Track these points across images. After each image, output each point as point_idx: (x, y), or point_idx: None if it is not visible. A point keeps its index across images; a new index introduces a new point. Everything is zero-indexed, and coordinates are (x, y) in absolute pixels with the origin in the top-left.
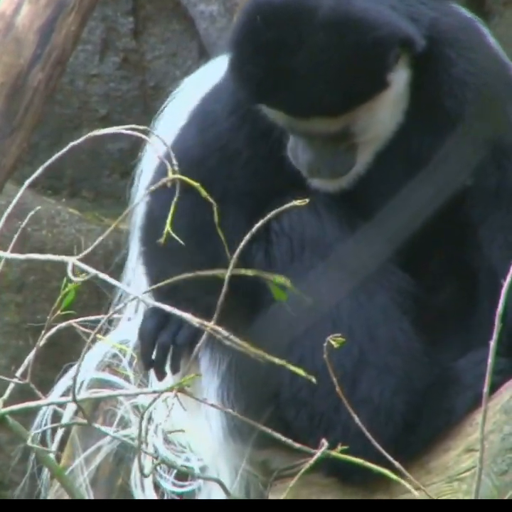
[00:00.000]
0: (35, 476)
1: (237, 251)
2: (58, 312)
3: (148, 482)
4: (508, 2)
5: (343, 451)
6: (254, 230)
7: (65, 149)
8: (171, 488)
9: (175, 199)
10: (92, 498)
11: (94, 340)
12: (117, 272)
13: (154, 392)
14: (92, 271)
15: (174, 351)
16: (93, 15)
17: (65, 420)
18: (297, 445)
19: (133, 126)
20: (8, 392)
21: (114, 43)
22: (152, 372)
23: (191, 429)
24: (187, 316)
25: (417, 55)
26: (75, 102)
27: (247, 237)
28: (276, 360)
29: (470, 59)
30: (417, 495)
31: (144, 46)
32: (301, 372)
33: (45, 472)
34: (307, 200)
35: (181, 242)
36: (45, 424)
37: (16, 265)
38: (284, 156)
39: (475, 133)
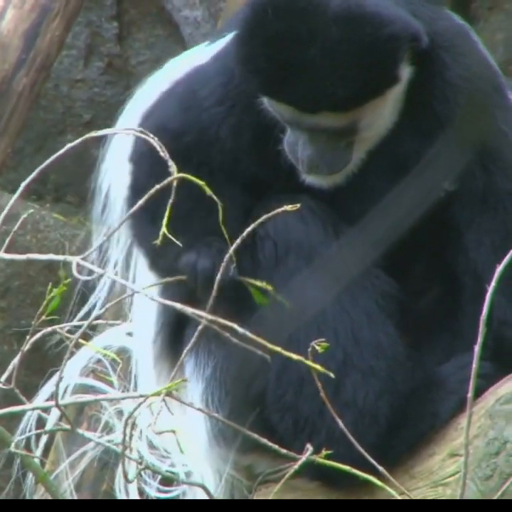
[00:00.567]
0: (20, 481)
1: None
2: (43, 317)
3: (133, 487)
4: (493, 7)
5: (327, 456)
6: (241, 237)
7: (62, 150)
8: (155, 493)
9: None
10: None
11: (78, 346)
12: None
13: (141, 396)
14: (98, 270)
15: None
16: (77, 20)
17: (49, 426)
18: (283, 450)
19: (129, 127)
20: None
21: (99, 48)
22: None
23: (176, 434)
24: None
25: (419, 53)
26: (60, 107)
27: (237, 242)
28: (294, 356)
29: (464, 64)
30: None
31: (128, 51)
32: (319, 367)
33: (30, 477)
34: (298, 205)
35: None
36: (30, 430)
37: (1, 270)
38: (271, 151)
39: (463, 137)
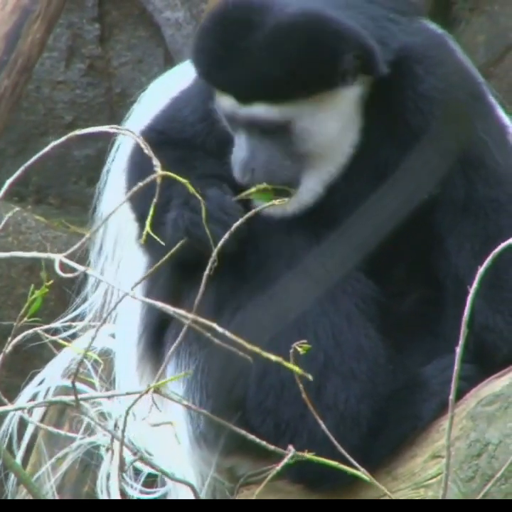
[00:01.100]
0: (2, 482)
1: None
2: (25, 319)
3: (115, 489)
4: (475, 9)
5: (310, 457)
6: (222, 240)
7: (47, 148)
8: (138, 495)
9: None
10: None
11: (60, 347)
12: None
13: (128, 394)
14: (81, 268)
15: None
16: (59, 22)
17: (30, 426)
18: (271, 447)
19: (115, 126)
20: None
21: (80, 49)
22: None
23: (158, 436)
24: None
25: (380, 78)
26: (41, 108)
27: (220, 244)
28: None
29: (438, 75)
30: None
31: (109, 53)
32: (297, 369)
33: (12, 478)
34: (286, 199)
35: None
36: (11, 431)
37: None
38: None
39: (442, 147)
